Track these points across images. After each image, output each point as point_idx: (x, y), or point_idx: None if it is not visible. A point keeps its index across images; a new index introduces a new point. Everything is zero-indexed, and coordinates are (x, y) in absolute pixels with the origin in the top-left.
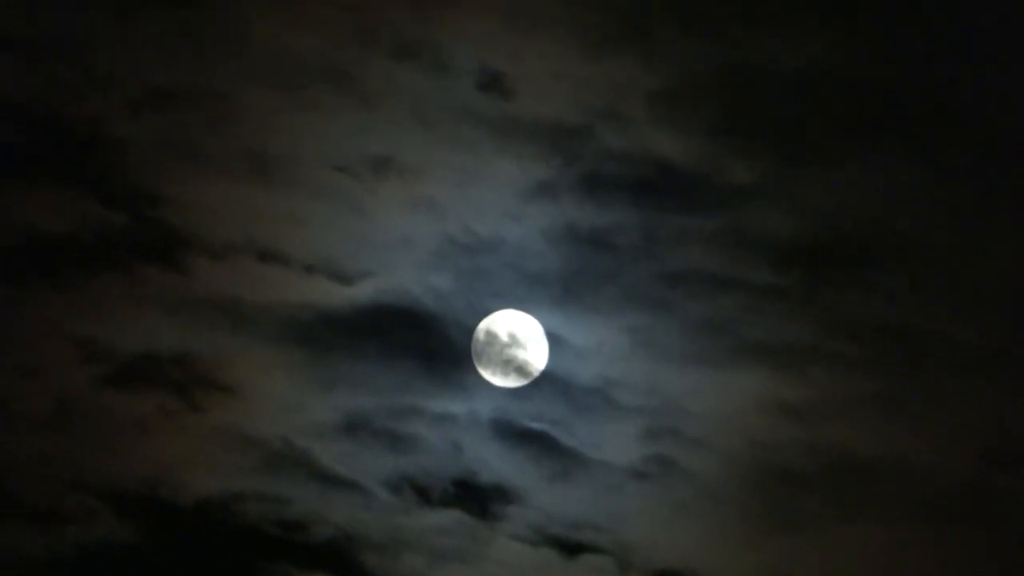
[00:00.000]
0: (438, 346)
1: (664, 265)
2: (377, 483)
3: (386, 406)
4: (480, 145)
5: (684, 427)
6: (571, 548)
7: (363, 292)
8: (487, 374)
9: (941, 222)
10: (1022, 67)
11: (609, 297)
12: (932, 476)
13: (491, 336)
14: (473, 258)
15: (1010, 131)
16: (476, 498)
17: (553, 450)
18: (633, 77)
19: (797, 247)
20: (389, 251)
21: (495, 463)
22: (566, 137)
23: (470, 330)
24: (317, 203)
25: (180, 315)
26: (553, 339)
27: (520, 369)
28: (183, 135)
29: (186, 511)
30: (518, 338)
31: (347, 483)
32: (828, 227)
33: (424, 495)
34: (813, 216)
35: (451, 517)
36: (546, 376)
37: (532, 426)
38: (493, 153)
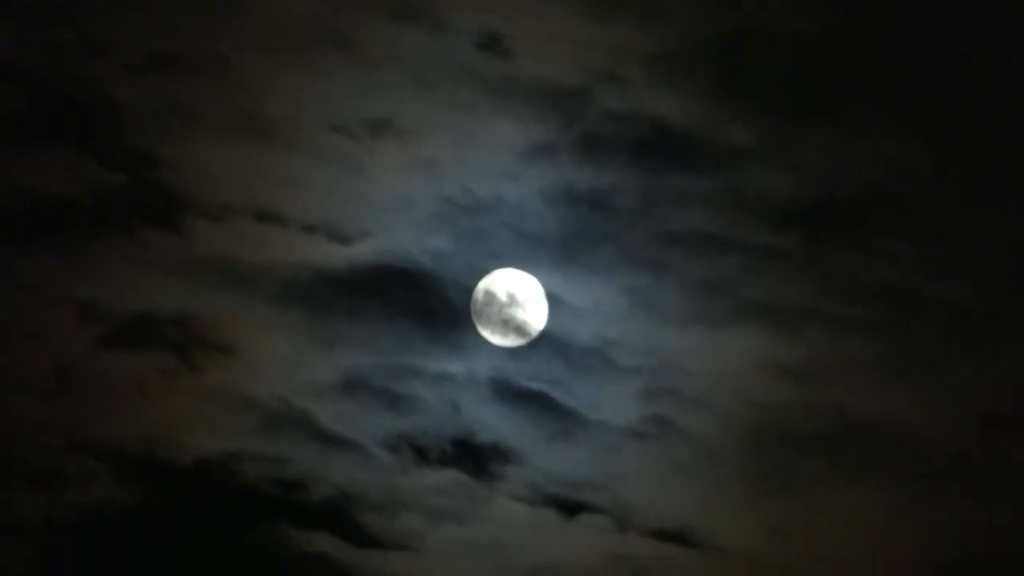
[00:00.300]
0: (436, 306)
1: (662, 226)
2: (375, 443)
3: (385, 366)
4: (479, 106)
5: (682, 387)
6: (569, 508)
7: (362, 252)
8: (486, 333)
9: (940, 185)
10: (1022, 31)
11: (607, 258)
12: (930, 439)
13: (490, 296)
14: (471, 219)
15: (1011, 96)
16: (474, 458)
17: (551, 410)
18: (632, 39)
19: (796, 208)
20: (388, 212)
21: (493, 423)
22: (565, 98)
23: (468, 290)
24: (316, 164)
25: (179, 276)
26: (551, 299)
27: (519, 329)
28: (182, 97)
29: (185, 472)
30: (517, 298)
31: (346, 443)
32: (827, 189)
33: (422, 455)
34: (812, 178)
35: (449, 477)
36: (544, 336)
37: (530, 386)
38: (492, 114)
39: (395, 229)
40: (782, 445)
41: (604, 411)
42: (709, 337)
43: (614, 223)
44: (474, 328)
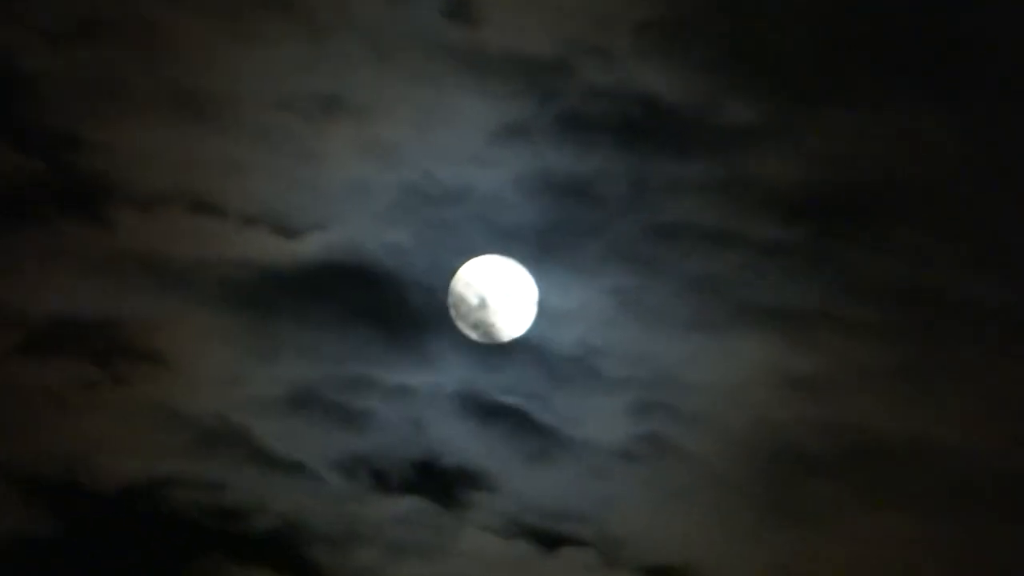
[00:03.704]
0: (396, 309)
1: (654, 218)
2: (327, 466)
3: (337, 378)
4: (444, 81)
5: (679, 402)
6: (549, 541)
7: (310, 248)
8: (462, 327)
9: (968, 170)
10: None
11: (592, 254)
12: (963, 459)
13: (459, 297)
14: (436, 210)
15: None
16: (440, 483)
17: (528, 428)
18: (619, 4)
19: (805, 198)
20: (340, 201)
21: (462, 443)
22: (542, 72)
23: (432, 291)
24: (258, 147)
25: (103, 275)
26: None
27: (488, 334)
28: (106, 70)
29: (108, 498)
30: (488, 302)
31: (292, 466)
32: (840, 175)
33: (381, 480)
34: (823, 163)
35: (411, 505)
36: (520, 343)
37: (504, 400)
38: (459, 90)
39: (348, 221)
40: (793, 467)
41: (589, 429)
42: (708, 344)
43: (599, 215)
44: (439, 335)
